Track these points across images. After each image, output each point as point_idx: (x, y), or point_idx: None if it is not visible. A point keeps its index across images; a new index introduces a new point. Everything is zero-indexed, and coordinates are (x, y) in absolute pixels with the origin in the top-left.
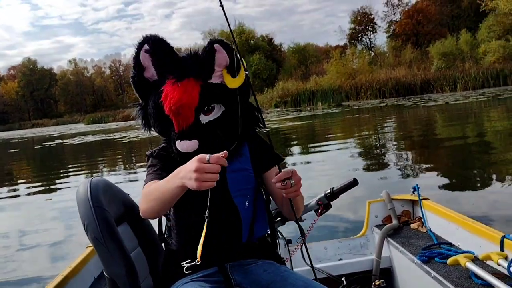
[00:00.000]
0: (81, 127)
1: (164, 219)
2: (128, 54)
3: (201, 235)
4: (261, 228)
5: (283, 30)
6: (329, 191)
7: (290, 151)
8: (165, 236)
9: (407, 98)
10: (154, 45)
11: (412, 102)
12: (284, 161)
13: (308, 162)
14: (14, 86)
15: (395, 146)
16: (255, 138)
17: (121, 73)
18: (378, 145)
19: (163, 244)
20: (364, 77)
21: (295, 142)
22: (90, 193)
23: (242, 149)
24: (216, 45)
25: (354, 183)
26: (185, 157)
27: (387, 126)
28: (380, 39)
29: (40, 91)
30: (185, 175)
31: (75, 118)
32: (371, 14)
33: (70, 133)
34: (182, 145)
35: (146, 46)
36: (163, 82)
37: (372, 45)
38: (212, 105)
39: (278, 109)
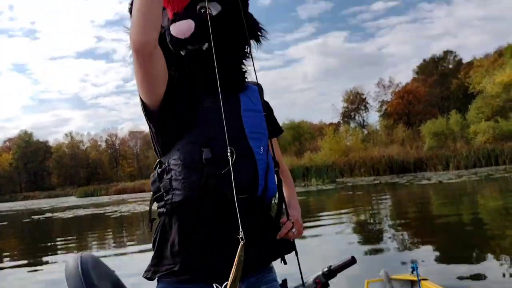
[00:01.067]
0: (73, 200)
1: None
2: (125, 128)
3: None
4: (273, 185)
5: (278, 108)
6: (326, 269)
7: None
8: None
9: (401, 176)
10: None
11: (406, 180)
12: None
13: (303, 237)
14: (8, 158)
15: (391, 223)
16: (262, 92)
17: (117, 147)
18: (373, 221)
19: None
20: (357, 154)
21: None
22: (81, 269)
23: (256, 90)
24: None
25: (352, 261)
26: (181, 44)
27: (382, 204)
28: (373, 117)
29: (34, 163)
30: None
31: (67, 191)
32: (363, 94)
33: (61, 206)
34: (176, 28)
35: None
36: None
37: (365, 123)
38: (204, 8)
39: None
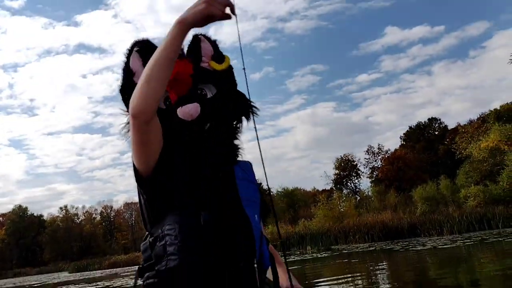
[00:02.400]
0: (64, 275)
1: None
2: (120, 200)
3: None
4: (266, 253)
5: (271, 176)
6: None
7: None
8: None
9: (395, 242)
10: (144, 44)
11: (400, 246)
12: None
13: None
14: (1, 234)
15: None
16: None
17: (112, 219)
18: None
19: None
20: (351, 220)
21: None
22: None
23: (248, 165)
24: (200, 36)
25: None
26: (186, 126)
27: (379, 271)
28: (365, 183)
29: (27, 239)
30: (190, 8)
31: (60, 266)
32: (353, 161)
33: (52, 283)
34: (184, 110)
35: (136, 47)
36: None
37: (357, 189)
38: (203, 90)
39: None
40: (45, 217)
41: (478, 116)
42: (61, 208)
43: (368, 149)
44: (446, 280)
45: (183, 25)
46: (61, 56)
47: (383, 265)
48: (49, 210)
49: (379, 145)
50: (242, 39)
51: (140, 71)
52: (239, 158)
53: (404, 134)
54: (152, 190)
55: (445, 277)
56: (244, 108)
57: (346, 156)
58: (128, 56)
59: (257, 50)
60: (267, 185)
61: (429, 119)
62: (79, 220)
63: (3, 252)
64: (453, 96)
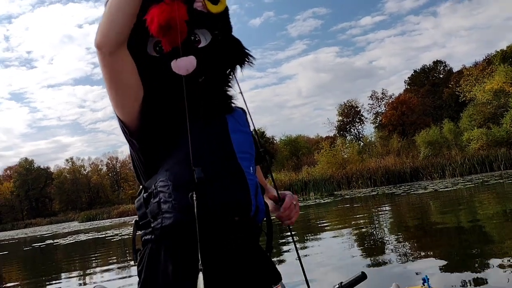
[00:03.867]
0: (74, 225)
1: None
2: (125, 151)
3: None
4: (262, 206)
5: (274, 124)
6: (337, 286)
7: (285, 243)
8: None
9: (398, 186)
10: None
11: (402, 190)
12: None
13: (306, 255)
14: (10, 186)
15: (392, 234)
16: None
17: (118, 170)
18: (375, 233)
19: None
20: (354, 166)
21: (289, 234)
22: None
23: (242, 113)
24: None
25: (363, 277)
26: (180, 80)
27: (381, 215)
28: (368, 129)
29: (36, 190)
30: None
31: (69, 216)
32: (357, 107)
33: (63, 232)
34: (179, 64)
35: None
36: (140, 26)
37: (360, 135)
38: (197, 36)
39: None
40: (52, 169)
41: (484, 58)
42: (67, 160)
43: (371, 95)
44: (447, 222)
45: None
46: (55, 6)
47: (385, 209)
48: (55, 162)
49: (383, 90)
50: None
51: None
52: (232, 107)
53: (408, 78)
54: (141, 144)
55: (445, 219)
56: (240, 56)
57: (350, 102)
58: None
59: None
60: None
61: (434, 62)
62: (86, 171)
63: (13, 204)
64: (459, 38)
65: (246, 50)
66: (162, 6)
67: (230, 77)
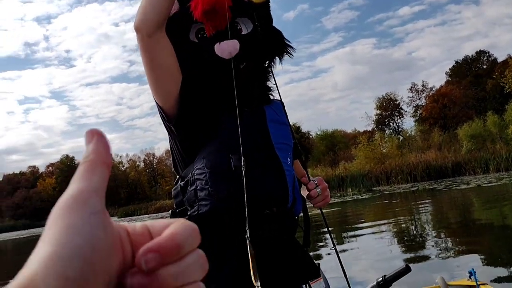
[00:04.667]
0: (114, 220)
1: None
2: (161, 148)
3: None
4: (299, 198)
5: (310, 118)
6: (381, 279)
7: (323, 239)
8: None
9: (439, 182)
10: None
11: (444, 186)
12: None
13: (344, 251)
14: (52, 182)
15: (433, 229)
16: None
17: (155, 166)
18: (415, 229)
19: None
20: (393, 161)
21: (325, 231)
22: None
23: (279, 105)
24: None
25: (407, 269)
26: (223, 64)
27: (422, 210)
28: (408, 123)
29: None
30: None
31: (109, 211)
32: (396, 100)
33: None
34: (222, 47)
35: None
36: (184, 13)
37: (399, 129)
38: (238, 25)
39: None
40: None
41: None
42: None
43: (411, 87)
44: (491, 218)
45: None
46: (92, 5)
47: (425, 204)
48: None
49: (423, 82)
50: None
51: None
52: (271, 98)
53: (449, 69)
54: (180, 131)
55: (490, 215)
56: (279, 47)
57: (388, 95)
58: None
59: None
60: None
61: (476, 52)
62: (124, 168)
63: (55, 200)
64: (503, 26)
65: (286, 42)
66: None
67: (269, 69)
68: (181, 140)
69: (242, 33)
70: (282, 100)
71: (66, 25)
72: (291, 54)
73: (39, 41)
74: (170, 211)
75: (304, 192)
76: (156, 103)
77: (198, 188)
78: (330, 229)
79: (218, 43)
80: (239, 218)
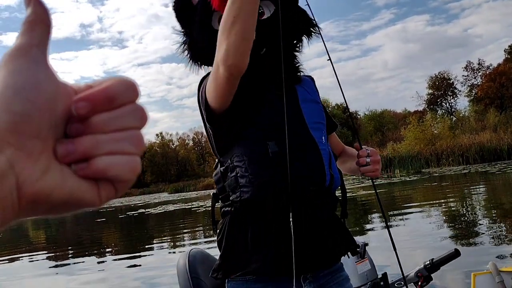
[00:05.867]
0: (164, 196)
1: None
2: None
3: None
4: (337, 175)
5: (358, 98)
6: (428, 262)
7: (369, 220)
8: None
9: (493, 164)
10: None
11: (498, 169)
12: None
13: (393, 232)
14: None
15: (485, 215)
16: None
17: (203, 144)
18: (466, 213)
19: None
20: (445, 142)
21: (373, 212)
22: (188, 265)
23: (310, 82)
24: None
25: (456, 254)
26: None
27: (474, 194)
28: (461, 103)
29: None
30: None
31: (160, 187)
32: (449, 79)
33: (153, 202)
34: None
35: None
36: (205, 1)
37: (453, 110)
38: (261, 8)
39: (354, 177)
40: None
41: None
42: (157, 134)
43: (466, 65)
44: None
45: None
46: None
47: (478, 188)
48: (146, 137)
49: (479, 60)
50: None
51: None
52: (301, 77)
53: (509, 46)
54: (221, 124)
55: None
56: (306, 27)
57: (442, 74)
58: None
59: None
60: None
61: None
62: (174, 145)
63: None
64: None
65: (311, 21)
66: None
67: (298, 47)
68: (219, 133)
69: (264, 17)
70: (328, 81)
71: (119, 7)
72: (317, 33)
73: (94, 22)
74: (212, 194)
75: (352, 163)
76: (207, 105)
77: (238, 175)
78: (378, 211)
79: None
80: (280, 203)
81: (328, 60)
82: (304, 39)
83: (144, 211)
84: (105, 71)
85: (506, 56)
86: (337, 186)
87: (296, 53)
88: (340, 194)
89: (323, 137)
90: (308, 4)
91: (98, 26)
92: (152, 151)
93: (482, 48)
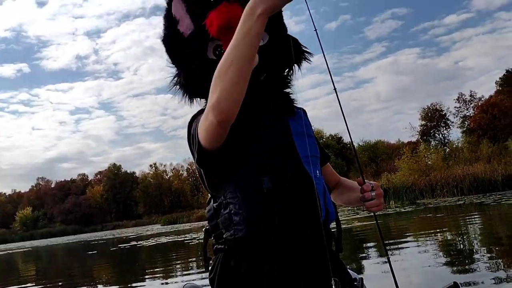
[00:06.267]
0: (157, 228)
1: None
2: None
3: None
4: (332, 208)
5: (352, 129)
6: None
7: (365, 252)
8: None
9: (487, 195)
10: None
11: (492, 200)
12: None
13: (385, 262)
14: (100, 190)
15: (483, 245)
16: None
17: (197, 175)
18: (462, 244)
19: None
20: (439, 173)
21: (369, 244)
22: None
23: (303, 115)
24: None
25: (455, 287)
26: None
27: (469, 225)
28: (454, 134)
29: (123, 194)
30: None
31: (153, 219)
32: (442, 111)
33: (146, 234)
34: None
35: None
36: (200, 31)
37: (446, 141)
38: None
39: (349, 208)
40: (137, 174)
41: None
42: (151, 165)
43: (458, 97)
44: None
45: (265, 16)
46: (139, 19)
47: (473, 219)
48: (140, 168)
49: (471, 92)
50: None
51: (184, 18)
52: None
53: (500, 78)
54: (212, 164)
55: None
56: (297, 54)
57: (434, 106)
58: (169, 1)
59: None
60: (352, 144)
61: None
62: (168, 176)
63: (103, 207)
64: None
65: (303, 48)
66: (220, 9)
67: (290, 77)
68: (209, 172)
69: (260, 44)
70: (325, 112)
71: (115, 39)
72: (309, 60)
73: (90, 54)
74: (204, 229)
75: (348, 195)
76: (200, 146)
77: (232, 212)
78: (374, 243)
79: None
80: (273, 240)
81: (334, 89)
82: (297, 68)
83: (136, 243)
84: (100, 102)
85: (498, 88)
86: (332, 220)
87: (290, 84)
88: (335, 227)
89: (317, 171)
90: (315, 30)
91: (94, 58)
92: (145, 182)
93: (473, 80)
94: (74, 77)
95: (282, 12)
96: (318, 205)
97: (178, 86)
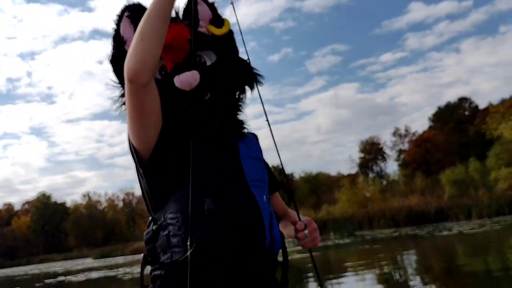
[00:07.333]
0: (88, 262)
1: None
2: None
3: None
4: (278, 237)
5: (293, 160)
6: None
7: (304, 285)
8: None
9: (422, 227)
10: (135, 9)
11: (426, 231)
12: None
13: None
14: (27, 221)
15: (417, 277)
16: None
17: (134, 206)
18: (399, 276)
19: None
20: (376, 205)
21: (308, 276)
22: None
23: (253, 139)
24: None
25: None
26: (185, 97)
27: (404, 257)
28: (391, 167)
29: (52, 226)
30: None
31: (84, 252)
32: (379, 144)
33: (76, 269)
34: (182, 79)
35: (127, 12)
36: None
37: (383, 173)
38: (202, 58)
39: (290, 240)
40: (68, 204)
41: (511, 95)
42: (84, 195)
43: (394, 131)
44: (475, 266)
45: None
46: (77, 43)
47: (408, 251)
48: (71, 197)
49: (405, 126)
50: (259, 20)
51: (131, 38)
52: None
53: (432, 115)
54: (152, 173)
55: (473, 263)
56: (248, 76)
57: (372, 139)
58: (118, 22)
59: (275, 31)
60: (283, 171)
61: (459, 99)
62: (102, 207)
63: (29, 239)
64: (484, 74)
65: (254, 70)
66: None
67: (241, 100)
68: (152, 184)
69: (207, 64)
70: (253, 133)
71: (50, 62)
72: (260, 82)
73: (22, 77)
74: (143, 255)
75: (291, 229)
76: (132, 146)
77: (171, 234)
78: (313, 274)
79: (177, 75)
80: (215, 264)
81: (266, 121)
82: (248, 91)
83: (64, 278)
84: (31, 127)
85: (430, 123)
86: (278, 249)
87: (240, 107)
88: (282, 258)
89: (264, 196)
90: (248, 59)
91: (26, 81)
92: (77, 212)
93: (407, 116)
94: (3, 100)
95: (234, 35)
96: (263, 230)
97: (124, 107)
